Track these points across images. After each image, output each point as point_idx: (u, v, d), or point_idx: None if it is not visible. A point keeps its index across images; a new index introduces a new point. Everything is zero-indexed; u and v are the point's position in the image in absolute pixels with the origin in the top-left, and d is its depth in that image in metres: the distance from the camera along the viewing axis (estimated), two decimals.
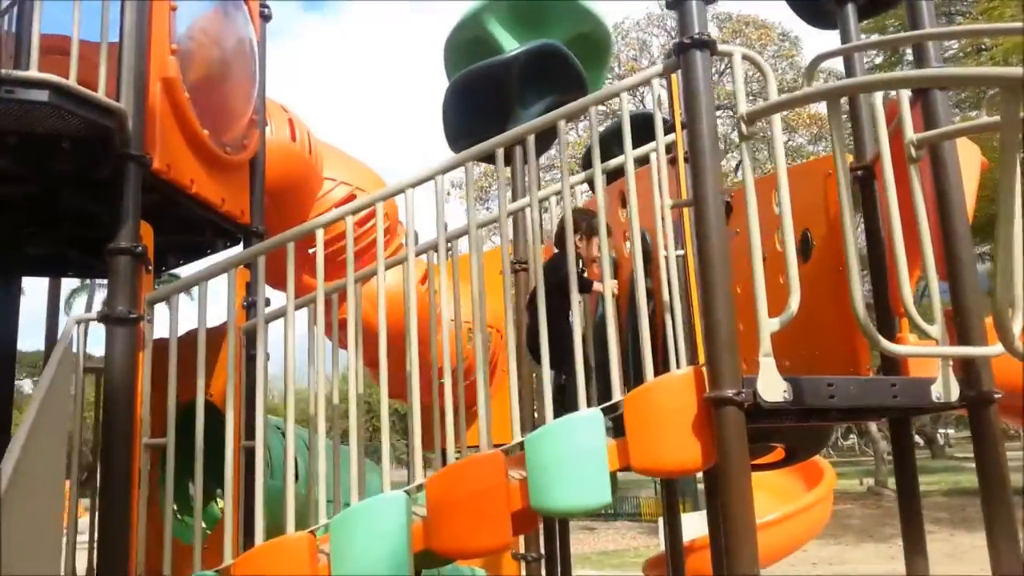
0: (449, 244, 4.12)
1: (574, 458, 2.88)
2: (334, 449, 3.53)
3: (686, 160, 3.79)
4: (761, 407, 2.78)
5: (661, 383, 2.93)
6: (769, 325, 2.85)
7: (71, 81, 2.78)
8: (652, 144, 3.45)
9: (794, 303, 2.86)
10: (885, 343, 2.67)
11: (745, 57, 3.06)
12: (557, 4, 6.36)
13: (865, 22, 4.46)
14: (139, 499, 3.10)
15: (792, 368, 4.04)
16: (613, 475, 3.94)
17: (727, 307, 2.83)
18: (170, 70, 3.42)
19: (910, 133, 3.30)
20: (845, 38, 4.47)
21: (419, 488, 3.07)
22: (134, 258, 3.14)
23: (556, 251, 4.14)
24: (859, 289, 2.61)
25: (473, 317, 3.13)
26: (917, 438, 50.02)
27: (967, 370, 3.17)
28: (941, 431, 41.40)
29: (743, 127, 2.96)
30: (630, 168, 3.16)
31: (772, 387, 2.81)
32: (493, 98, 5.60)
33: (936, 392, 3.09)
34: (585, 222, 3.96)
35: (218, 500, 4.50)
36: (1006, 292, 2.16)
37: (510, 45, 5.99)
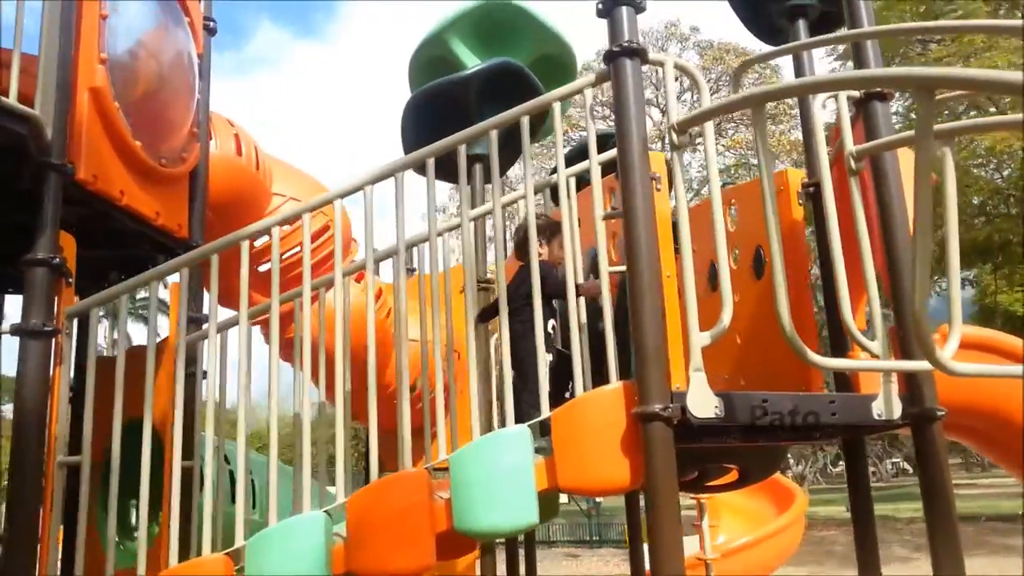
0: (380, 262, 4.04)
1: (499, 476, 2.78)
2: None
3: None
4: (691, 423, 2.69)
5: (590, 398, 2.83)
6: (700, 340, 2.76)
7: None
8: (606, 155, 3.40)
9: (726, 318, 2.78)
10: (812, 356, 2.59)
11: (677, 66, 3.01)
12: (521, 25, 6.32)
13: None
14: (52, 519, 2.98)
15: (747, 386, 3.97)
16: (554, 497, 3.84)
17: (656, 320, 2.74)
18: (98, 79, 3.35)
19: (850, 144, 3.25)
20: (796, 54, 4.45)
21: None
22: (51, 270, 3.05)
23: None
24: (785, 302, 2.54)
25: (400, 336, 3.03)
26: (905, 465, 49.96)
27: (910, 387, 3.09)
28: None
29: (674, 137, 2.90)
30: (562, 182, 3.09)
31: (703, 403, 2.72)
32: (451, 116, 5.54)
33: (877, 409, 3.01)
34: (544, 227, 3.88)
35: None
36: (923, 303, 2.08)
37: (473, 64, 5.95)
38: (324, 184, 5.19)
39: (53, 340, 3.04)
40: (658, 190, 3.98)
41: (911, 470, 47.20)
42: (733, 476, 4.48)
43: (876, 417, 3.00)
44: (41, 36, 3.10)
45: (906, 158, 3.76)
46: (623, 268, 3.57)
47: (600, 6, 3.01)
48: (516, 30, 6.24)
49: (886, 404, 3.01)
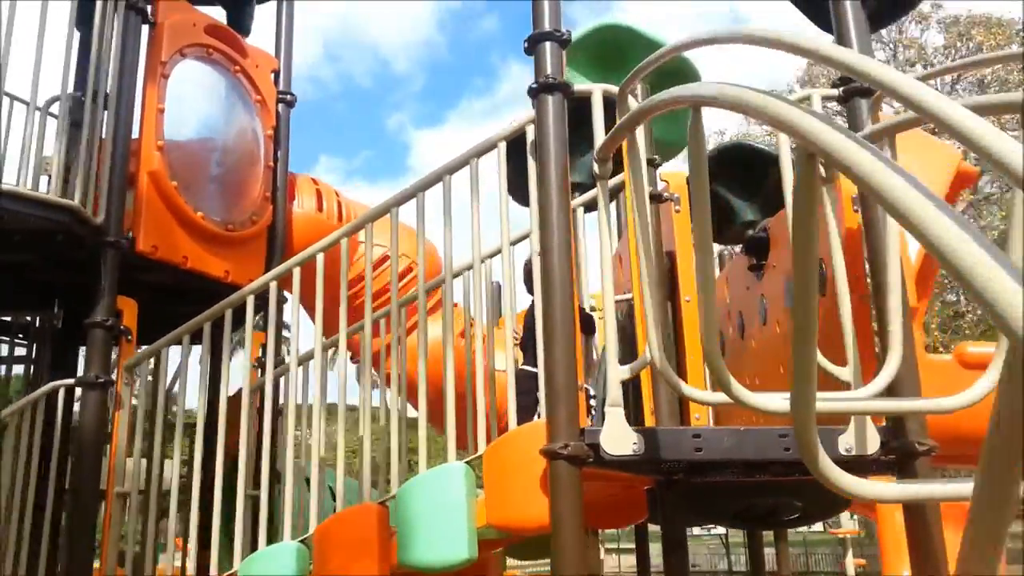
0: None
1: (435, 511, 2.88)
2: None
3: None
4: (604, 460, 2.61)
5: (517, 433, 2.85)
6: (618, 373, 2.68)
7: (20, 187, 3.34)
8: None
9: (652, 350, 2.66)
10: (685, 388, 2.41)
11: (607, 93, 2.95)
12: (633, 45, 6.31)
13: None
14: (110, 540, 3.53)
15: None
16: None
17: (567, 353, 2.69)
18: (155, 164, 3.94)
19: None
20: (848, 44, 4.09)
21: None
22: (107, 331, 3.63)
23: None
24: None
25: (394, 369, 3.24)
26: None
27: (893, 417, 2.73)
28: None
29: (595, 167, 2.85)
30: (504, 219, 3.14)
31: (618, 439, 2.63)
32: None
33: (845, 443, 2.70)
34: None
35: None
36: (711, 332, 1.92)
37: None
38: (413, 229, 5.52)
39: (110, 389, 3.61)
40: (677, 211, 3.88)
41: None
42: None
43: (844, 452, 2.69)
44: (102, 134, 3.74)
45: (924, 149, 3.34)
46: (628, 296, 3.56)
47: (526, 44, 3.04)
48: (630, 51, 6.22)
49: (858, 437, 2.69)
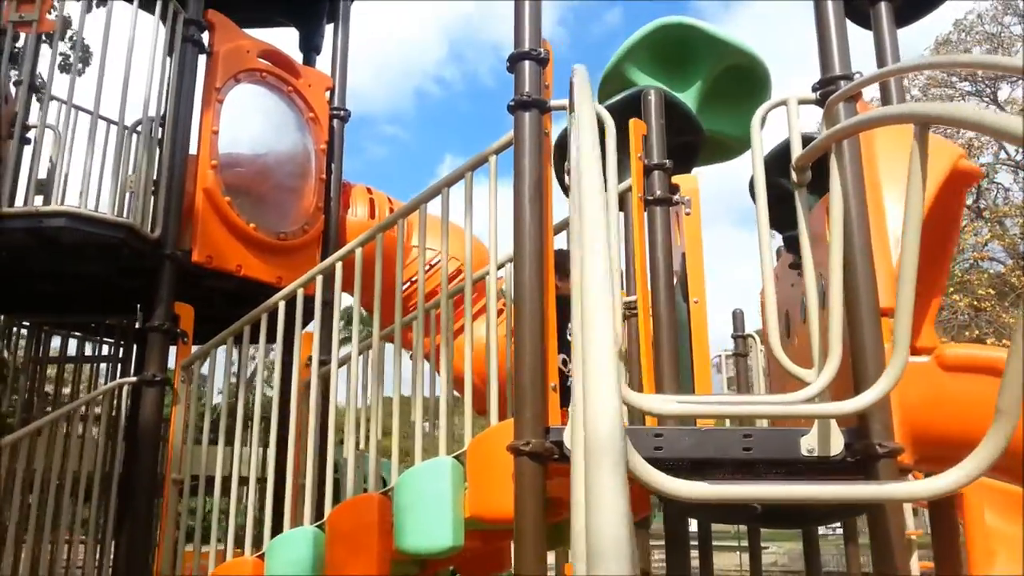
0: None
1: (424, 501, 3.11)
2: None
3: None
4: (567, 458, 2.76)
5: (497, 429, 3.03)
6: None
7: (80, 208, 3.80)
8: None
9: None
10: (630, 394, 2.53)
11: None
12: (697, 42, 6.31)
13: None
14: (168, 526, 3.95)
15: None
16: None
17: (536, 357, 2.86)
18: (209, 181, 4.36)
19: (796, 152, 2.99)
20: (879, 39, 4.05)
21: None
22: (163, 334, 4.06)
23: None
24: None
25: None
26: None
27: (861, 417, 2.74)
28: None
29: (566, 178, 2.99)
30: (493, 229, 3.32)
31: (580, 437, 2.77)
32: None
33: (807, 444, 2.73)
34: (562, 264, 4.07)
35: None
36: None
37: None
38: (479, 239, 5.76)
39: (166, 386, 4.04)
40: (687, 214, 3.96)
41: None
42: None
43: (806, 454, 2.72)
44: (160, 160, 4.18)
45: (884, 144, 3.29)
46: (633, 297, 3.70)
47: (508, 63, 3.21)
48: (693, 48, 6.22)
49: (820, 439, 2.72)
